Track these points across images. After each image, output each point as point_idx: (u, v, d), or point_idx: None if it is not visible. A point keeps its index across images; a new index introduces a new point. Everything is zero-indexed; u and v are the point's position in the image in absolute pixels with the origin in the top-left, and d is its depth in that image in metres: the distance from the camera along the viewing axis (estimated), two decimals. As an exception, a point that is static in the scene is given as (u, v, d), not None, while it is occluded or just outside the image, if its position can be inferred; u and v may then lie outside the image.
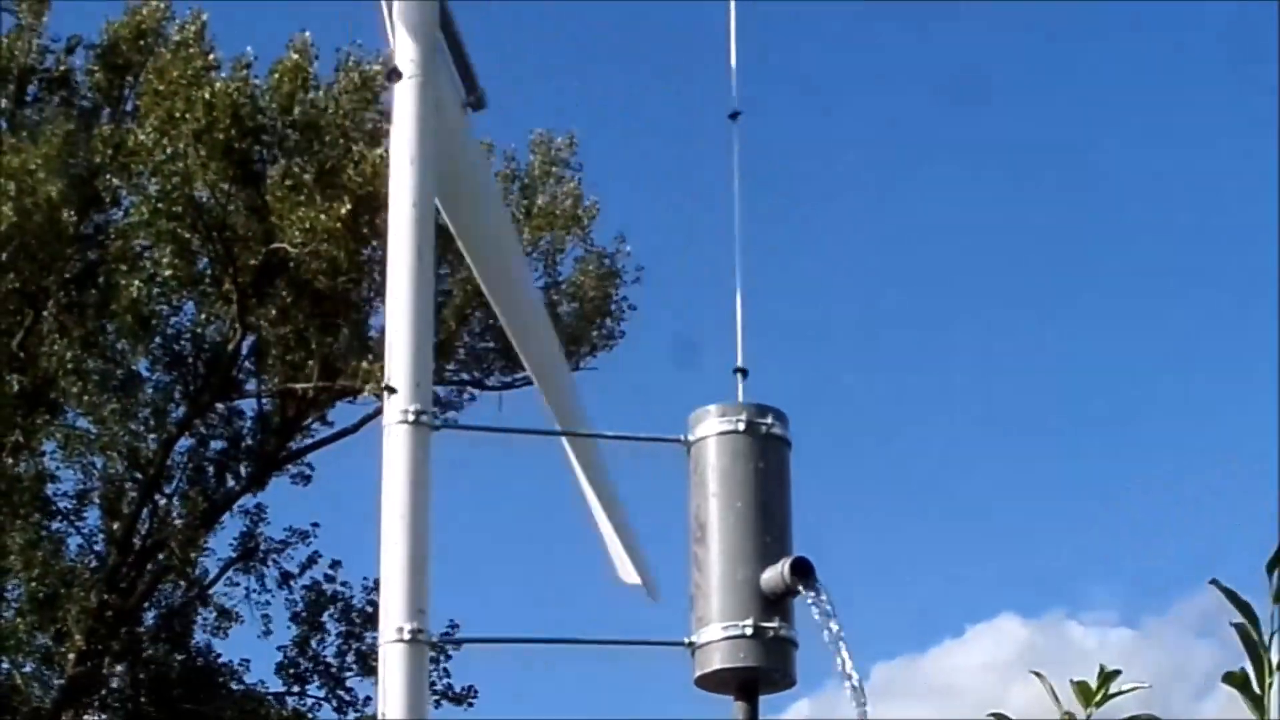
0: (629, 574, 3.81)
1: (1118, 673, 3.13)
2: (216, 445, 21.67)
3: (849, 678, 3.15)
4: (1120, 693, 3.19)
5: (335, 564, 21.53)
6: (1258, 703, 2.97)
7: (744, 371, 3.74)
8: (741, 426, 3.28)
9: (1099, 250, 37.83)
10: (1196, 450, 35.09)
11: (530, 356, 4.03)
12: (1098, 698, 3.16)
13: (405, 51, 3.58)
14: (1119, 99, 39.12)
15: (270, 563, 21.67)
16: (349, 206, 19.20)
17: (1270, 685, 2.96)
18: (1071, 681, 3.18)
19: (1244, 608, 3.00)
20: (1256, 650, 2.98)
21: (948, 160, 38.11)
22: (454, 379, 20.50)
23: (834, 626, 3.18)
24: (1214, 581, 3.03)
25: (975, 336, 36.65)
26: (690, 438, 3.32)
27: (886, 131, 37.56)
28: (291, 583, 21.61)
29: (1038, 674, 3.29)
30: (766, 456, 3.28)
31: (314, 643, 21.56)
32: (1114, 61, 41.25)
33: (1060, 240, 38.43)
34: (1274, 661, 2.97)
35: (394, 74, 3.70)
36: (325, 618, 21.53)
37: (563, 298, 21.14)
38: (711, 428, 3.31)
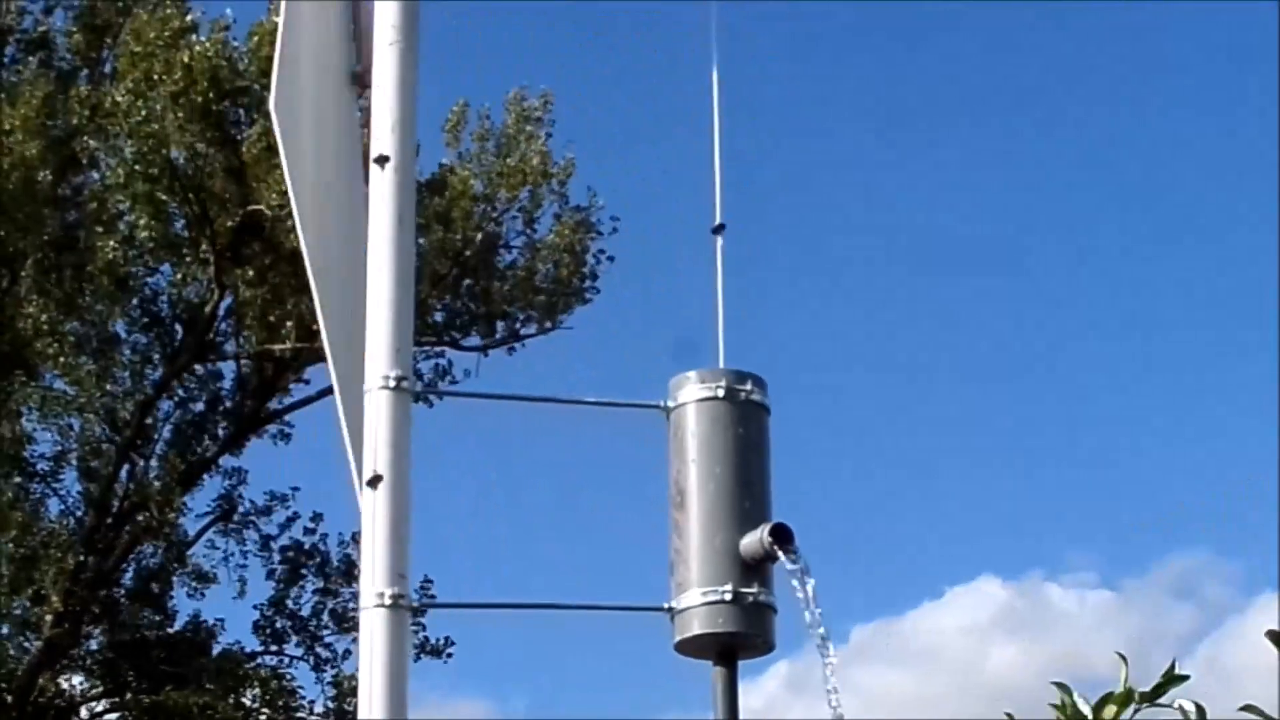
0: None
1: (1186, 677, 3.13)
2: (195, 407, 21.64)
3: (821, 640, 3.16)
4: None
5: (317, 516, 21.51)
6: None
7: (722, 227, 3.78)
8: (721, 393, 3.29)
9: (1079, 213, 37.68)
10: (1178, 417, 35.06)
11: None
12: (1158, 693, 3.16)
13: (386, 15, 3.57)
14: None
15: (250, 525, 21.65)
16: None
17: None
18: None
19: None
20: None
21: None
22: (428, 343, 20.46)
23: (810, 588, 3.19)
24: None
25: (952, 296, 36.05)
26: (670, 404, 3.32)
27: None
28: (271, 543, 21.60)
29: (1122, 655, 3.27)
30: (746, 423, 3.29)
31: (290, 601, 21.54)
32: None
33: (1035, 203, 38.65)
34: None
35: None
36: (304, 571, 21.51)
37: (539, 261, 21.11)
38: (691, 394, 3.31)
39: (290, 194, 3.62)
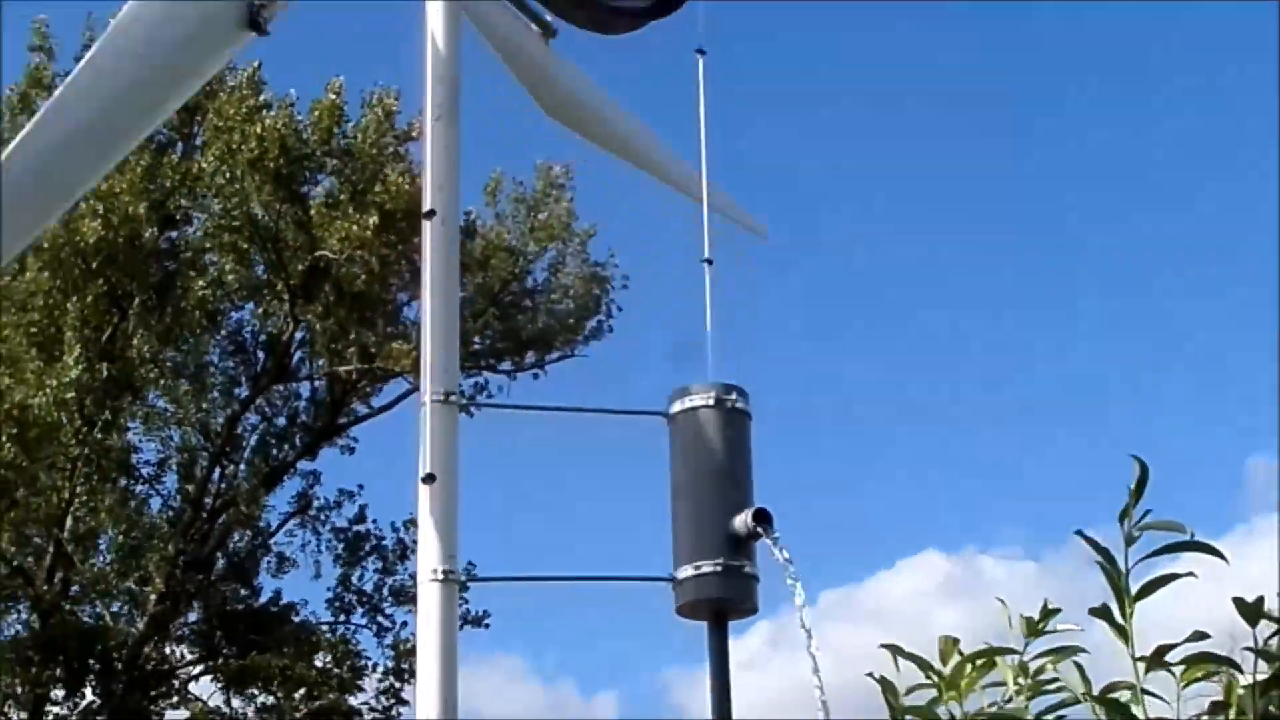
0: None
1: (1058, 610, 3.16)
2: (277, 421, 21.67)
3: (795, 593, 3.17)
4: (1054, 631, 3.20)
5: (363, 507, 21.55)
6: (1121, 631, 3.00)
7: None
8: (711, 402, 3.30)
9: (1033, 206, 36.92)
10: (1095, 415, 34.84)
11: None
12: (1040, 626, 3.19)
13: (435, 96, 3.57)
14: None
15: (323, 518, 21.67)
16: (377, 219, 19.25)
17: (1130, 615, 2.99)
18: (1021, 616, 3.20)
19: (1104, 553, 3.01)
20: (1117, 586, 3.01)
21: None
22: (469, 367, 20.49)
23: (786, 555, 3.20)
24: (1078, 532, 3.06)
25: (898, 286, 35.38)
26: (670, 412, 3.34)
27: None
28: (340, 533, 21.62)
29: (1001, 600, 3.31)
30: (732, 426, 3.30)
31: (355, 579, 21.55)
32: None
33: (996, 194, 37.14)
34: (1132, 594, 3.00)
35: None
36: (363, 553, 21.53)
37: (561, 298, 21.28)
38: (687, 403, 3.33)
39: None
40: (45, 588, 20.15)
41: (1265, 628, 2.94)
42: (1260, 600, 2.90)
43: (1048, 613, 3.13)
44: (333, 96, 20.30)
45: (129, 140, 3.81)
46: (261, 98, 20.17)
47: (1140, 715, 2.94)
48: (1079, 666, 3.09)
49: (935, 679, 3.22)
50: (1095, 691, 3.02)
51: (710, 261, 3.63)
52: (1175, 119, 37.10)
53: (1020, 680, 3.14)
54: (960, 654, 3.19)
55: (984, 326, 35.20)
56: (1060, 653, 3.12)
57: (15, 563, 20.17)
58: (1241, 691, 2.93)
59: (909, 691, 3.22)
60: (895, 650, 3.21)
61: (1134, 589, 2.99)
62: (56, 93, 3.60)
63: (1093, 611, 3.00)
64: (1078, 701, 3.05)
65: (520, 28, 3.95)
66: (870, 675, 3.23)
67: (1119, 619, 2.97)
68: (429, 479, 3.20)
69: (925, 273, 35.51)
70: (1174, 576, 2.99)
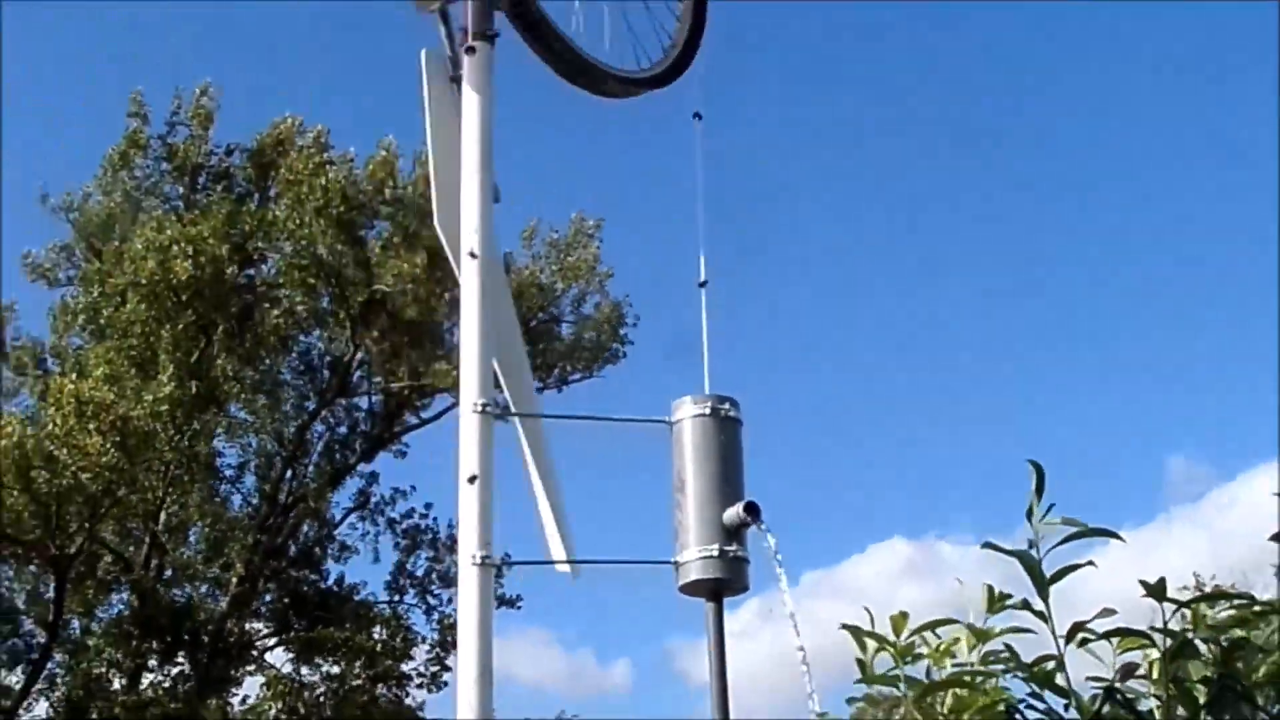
0: (557, 552, 3.63)
1: (1009, 595, 3.17)
2: (340, 430, 21.73)
3: (780, 577, 3.18)
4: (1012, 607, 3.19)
5: (428, 505, 21.58)
6: (1040, 615, 3.01)
7: (698, 115, 3.75)
8: (708, 411, 3.30)
9: (986, 213, 36.01)
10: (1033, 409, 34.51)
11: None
12: (998, 606, 3.20)
13: (470, 150, 3.57)
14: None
15: (380, 512, 21.71)
16: (425, 258, 19.29)
17: (1047, 598, 3.00)
18: (983, 586, 3.21)
19: (1013, 553, 2.99)
20: (1034, 575, 3.01)
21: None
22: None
23: (772, 541, 3.20)
24: (986, 544, 3.05)
25: (864, 283, 35.06)
26: (672, 420, 3.34)
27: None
28: (395, 525, 21.67)
29: (959, 580, 3.32)
30: (725, 432, 3.30)
31: (409, 565, 21.58)
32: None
33: (949, 201, 36.22)
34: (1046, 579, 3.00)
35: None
36: (419, 544, 21.56)
37: (583, 329, 21.36)
38: (687, 412, 3.32)
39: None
40: (143, 573, 20.19)
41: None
42: (1163, 581, 2.91)
43: (999, 596, 3.14)
44: (384, 153, 20.41)
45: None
46: (326, 155, 20.28)
47: (1061, 683, 2.96)
48: (1008, 646, 3.11)
49: (891, 649, 3.24)
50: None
51: (705, 284, 3.58)
52: (1080, 120, 36.37)
53: (975, 649, 3.16)
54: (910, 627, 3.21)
55: (940, 337, 34.91)
56: (1006, 632, 3.13)
57: (118, 551, 20.21)
58: (1154, 660, 2.95)
59: (875, 654, 3.24)
60: (855, 631, 3.23)
61: (1049, 574, 3.00)
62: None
63: (1015, 605, 3.02)
64: (1011, 669, 3.06)
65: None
66: (844, 626, 3.25)
67: (1037, 605, 2.98)
68: (472, 479, 3.21)
69: (893, 283, 35.50)
70: (1075, 567, 2.99)
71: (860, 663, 3.26)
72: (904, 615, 3.21)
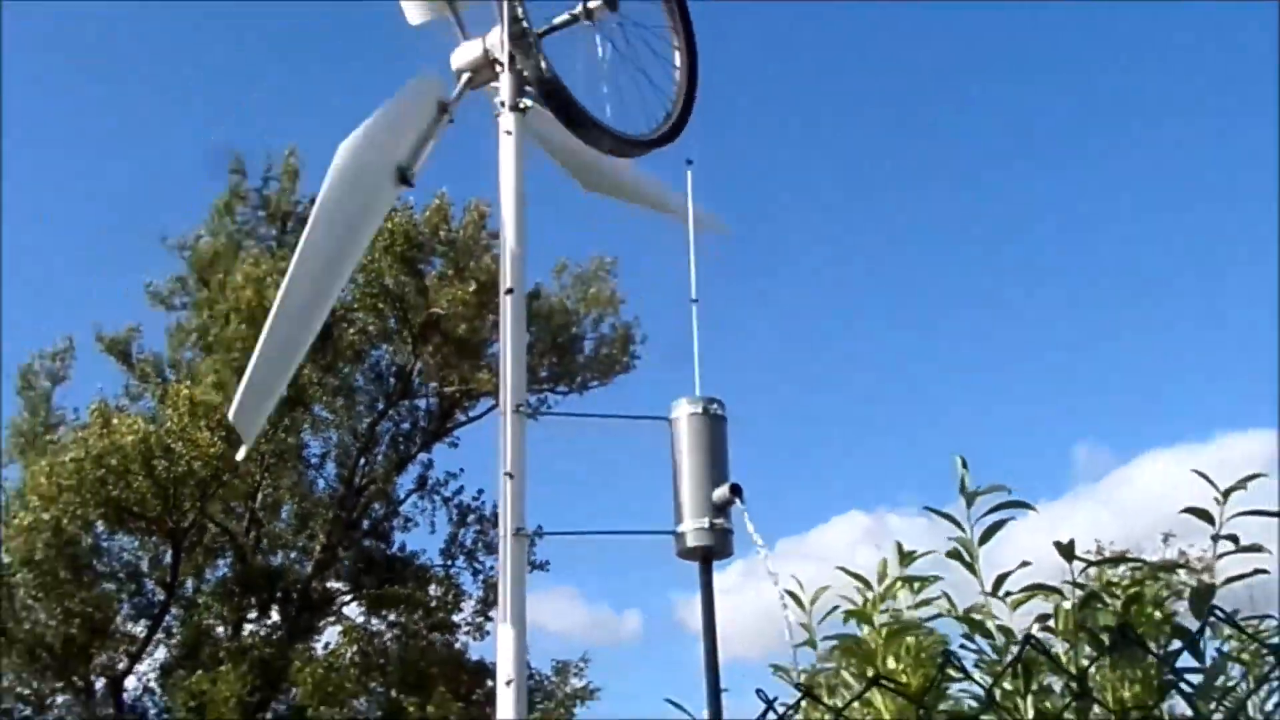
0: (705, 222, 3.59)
1: (913, 552, 3.16)
2: (403, 426, 21.71)
3: (758, 545, 3.17)
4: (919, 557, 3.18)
5: (479, 491, 21.51)
6: (970, 567, 3.00)
7: (690, 161, 3.74)
8: (700, 410, 3.30)
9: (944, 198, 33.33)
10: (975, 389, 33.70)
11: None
12: (905, 560, 3.18)
13: (507, 200, 3.57)
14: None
15: (436, 492, 21.68)
16: (473, 288, 19.33)
17: (976, 557, 2.98)
18: (895, 544, 3.20)
19: (945, 515, 2.99)
20: (964, 540, 2.99)
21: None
22: (533, 389, 20.52)
23: (749, 524, 3.19)
24: (927, 508, 3.06)
25: (831, 266, 32.86)
26: (671, 417, 3.34)
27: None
28: (449, 503, 21.63)
29: (899, 544, 3.30)
30: (714, 427, 3.29)
31: (460, 536, 21.55)
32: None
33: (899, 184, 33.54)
34: (975, 542, 2.98)
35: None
36: (468, 520, 21.51)
37: (600, 345, 21.35)
38: (683, 410, 3.32)
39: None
40: (244, 542, 20.20)
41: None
42: (1072, 543, 2.90)
43: (905, 554, 3.13)
44: (438, 202, 20.46)
45: (339, 281, 3.84)
46: (395, 201, 20.34)
47: (989, 626, 2.94)
48: (948, 595, 3.10)
49: (863, 600, 3.22)
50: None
51: (697, 300, 3.54)
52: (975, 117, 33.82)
53: (908, 597, 3.14)
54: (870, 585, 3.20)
55: (887, 344, 33.88)
56: (927, 580, 3.12)
57: (223, 525, 20.23)
58: (1065, 609, 2.94)
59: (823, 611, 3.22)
60: (795, 597, 3.19)
61: (977, 538, 2.99)
62: (294, 262, 3.69)
63: (948, 554, 3.02)
64: (949, 616, 3.05)
65: (559, 128, 3.90)
66: (842, 569, 3.21)
67: (967, 558, 2.97)
68: (509, 475, 3.20)
69: (848, 299, 33.44)
70: (1000, 525, 2.98)
71: (851, 611, 3.21)
72: (863, 579, 3.19)
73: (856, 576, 3.13)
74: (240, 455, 3.56)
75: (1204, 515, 2.80)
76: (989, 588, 2.94)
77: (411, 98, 3.63)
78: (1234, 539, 2.79)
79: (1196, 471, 2.81)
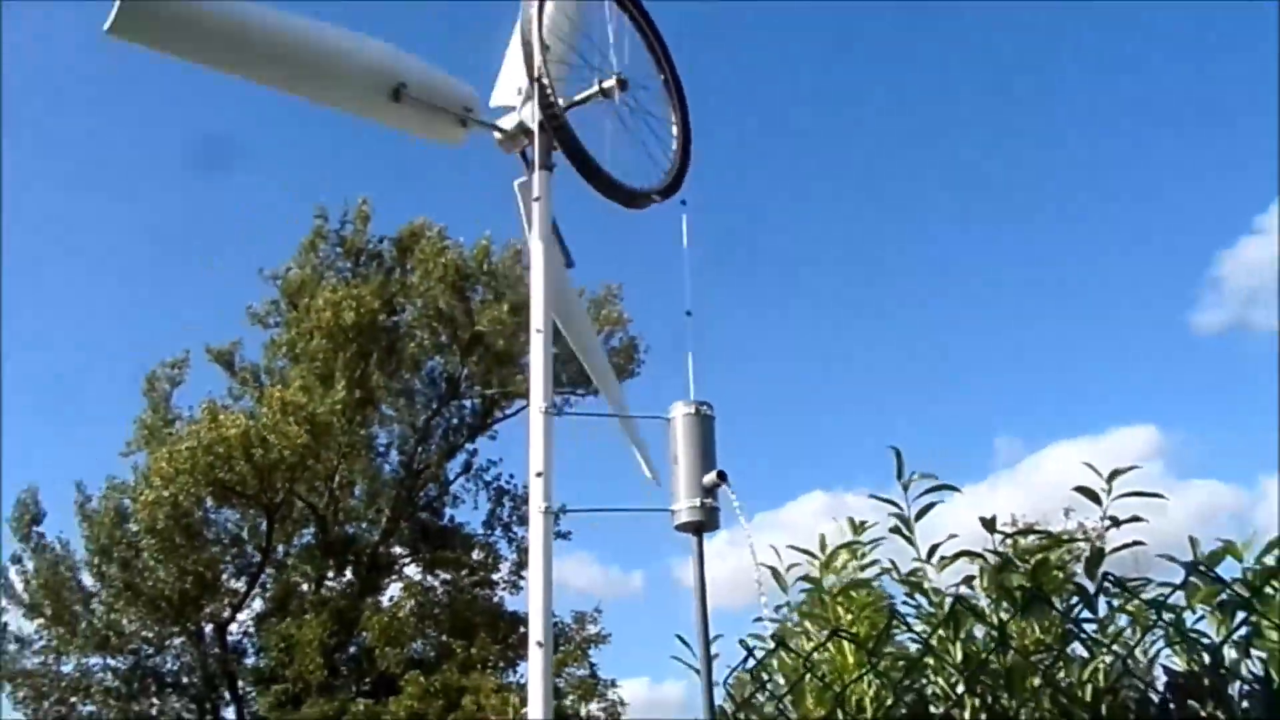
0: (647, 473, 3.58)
1: (865, 522, 3.15)
2: (453, 421, 21.69)
3: (741, 520, 3.16)
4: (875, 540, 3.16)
5: (512, 476, 21.49)
6: (908, 539, 2.99)
7: (683, 202, 3.62)
8: (693, 411, 3.29)
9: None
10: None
11: (597, 377, 3.92)
12: (858, 531, 3.17)
13: (535, 243, 3.55)
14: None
15: (479, 476, 21.65)
16: (509, 309, 19.32)
17: (914, 530, 2.98)
18: (848, 520, 3.20)
19: (887, 500, 2.98)
20: (903, 517, 2.97)
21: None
22: (558, 391, 20.45)
23: (735, 502, 3.18)
24: (872, 495, 3.05)
25: (806, 300, 29.74)
26: (669, 416, 3.33)
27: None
28: (490, 485, 21.59)
29: (850, 519, 3.28)
30: (704, 426, 3.29)
31: (498, 512, 21.50)
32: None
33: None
34: (912, 518, 2.97)
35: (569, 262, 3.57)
36: (505, 499, 21.46)
37: (610, 357, 21.19)
38: (679, 411, 3.31)
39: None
40: (324, 514, 20.19)
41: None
42: (994, 518, 2.90)
43: (856, 526, 3.13)
44: (484, 241, 20.49)
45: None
46: (446, 243, 20.39)
47: (926, 586, 2.94)
48: (893, 561, 3.10)
49: (817, 564, 3.22)
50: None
51: (690, 313, 3.48)
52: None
53: (854, 561, 3.13)
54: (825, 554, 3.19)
55: (839, 346, 30.77)
56: (868, 546, 3.11)
57: (308, 501, 20.23)
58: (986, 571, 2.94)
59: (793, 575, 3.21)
60: (773, 570, 3.20)
61: (914, 514, 2.99)
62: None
63: (891, 530, 3.03)
64: (892, 578, 3.05)
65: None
66: (792, 547, 3.20)
67: (905, 532, 2.97)
68: (539, 475, 3.15)
69: (815, 307, 30.07)
70: (930, 506, 2.98)
71: (807, 578, 3.20)
72: (827, 545, 3.19)
73: (805, 551, 3.14)
74: None
75: (1092, 496, 2.80)
76: (924, 555, 2.94)
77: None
78: (1115, 519, 2.79)
79: (1086, 463, 2.81)
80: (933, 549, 2.93)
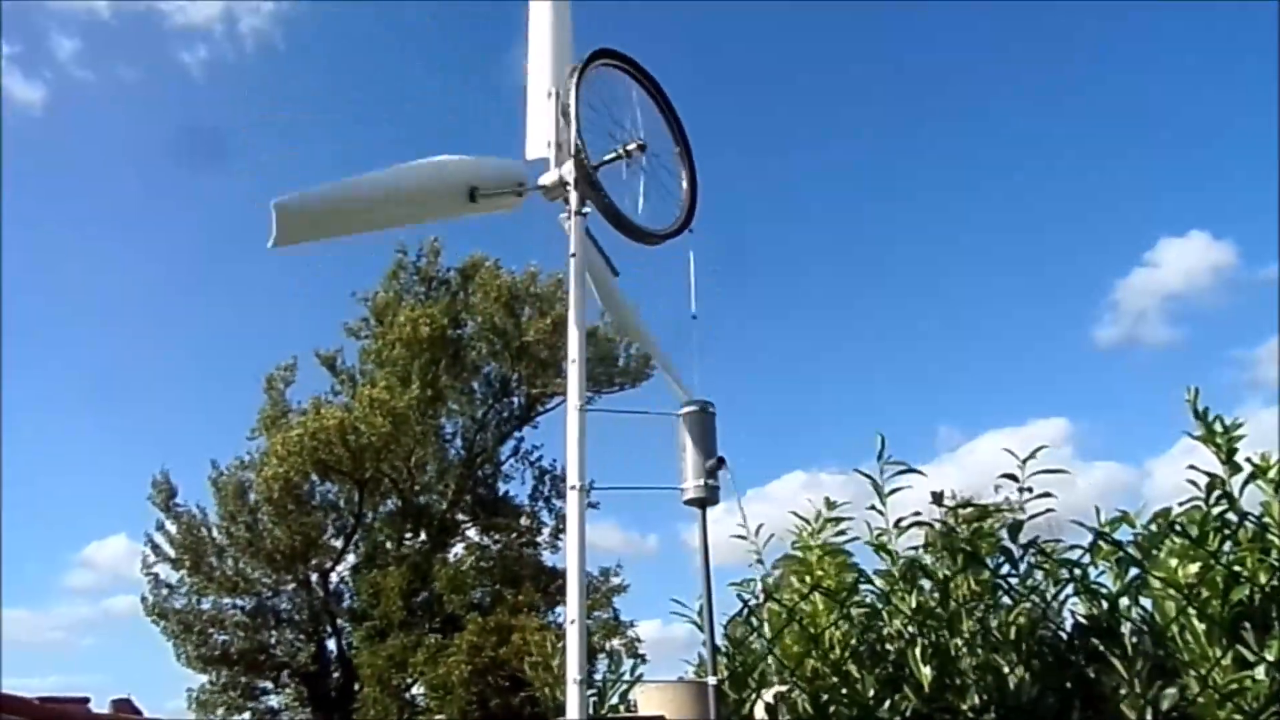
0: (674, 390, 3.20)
1: (838, 502, 3.13)
2: (504, 414, 21.63)
3: (737, 500, 3.14)
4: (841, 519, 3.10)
5: (554, 461, 21.40)
6: (881, 513, 2.96)
7: (691, 230, 3.38)
8: (699, 409, 3.25)
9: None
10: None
11: (658, 359, 3.68)
12: (832, 510, 3.14)
13: (574, 278, 3.46)
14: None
15: (526, 458, 21.58)
16: (550, 322, 19.30)
17: (886, 505, 2.95)
18: (825, 499, 3.17)
19: (866, 475, 2.95)
20: (879, 492, 2.96)
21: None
22: (592, 391, 20.19)
23: (729, 481, 3.14)
24: (856, 469, 3.02)
25: (787, 240, 26.72)
26: (679, 413, 3.29)
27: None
28: (534, 465, 21.51)
29: (827, 497, 3.26)
30: (706, 421, 3.24)
31: (540, 487, 21.43)
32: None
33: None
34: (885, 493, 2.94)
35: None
36: (547, 476, 21.35)
37: (631, 362, 21.03)
38: (688, 409, 3.27)
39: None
40: (403, 488, 20.23)
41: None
42: (940, 493, 2.89)
43: (831, 503, 3.12)
44: (531, 269, 20.50)
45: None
46: (498, 271, 20.39)
47: (891, 549, 2.93)
48: (868, 523, 3.08)
49: (803, 533, 3.19)
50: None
51: (695, 317, 3.30)
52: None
53: (832, 530, 3.12)
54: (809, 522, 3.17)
55: (814, 345, 27.96)
56: (842, 521, 3.09)
57: (390, 477, 20.25)
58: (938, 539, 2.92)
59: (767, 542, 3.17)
60: (755, 544, 3.16)
61: (887, 490, 2.96)
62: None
63: (869, 506, 3.01)
64: (864, 542, 3.03)
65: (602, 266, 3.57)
66: (795, 513, 3.15)
67: (880, 506, 2.95)
68: (577, 481, 3.05)
69: (799, 304, 26.74)
70: (898, 489, 2.97)
71: (797, 541, 3.15)
72: (804, 519, 3.17)
73: (801, 517, 3.12)
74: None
75: (1011, 477, 2.79)
76: (891, 524, 2.92)
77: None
78: (1031, 489, 2.78)
79: (1006, 449, 2.80)
80: (898, 521, 2.92)
